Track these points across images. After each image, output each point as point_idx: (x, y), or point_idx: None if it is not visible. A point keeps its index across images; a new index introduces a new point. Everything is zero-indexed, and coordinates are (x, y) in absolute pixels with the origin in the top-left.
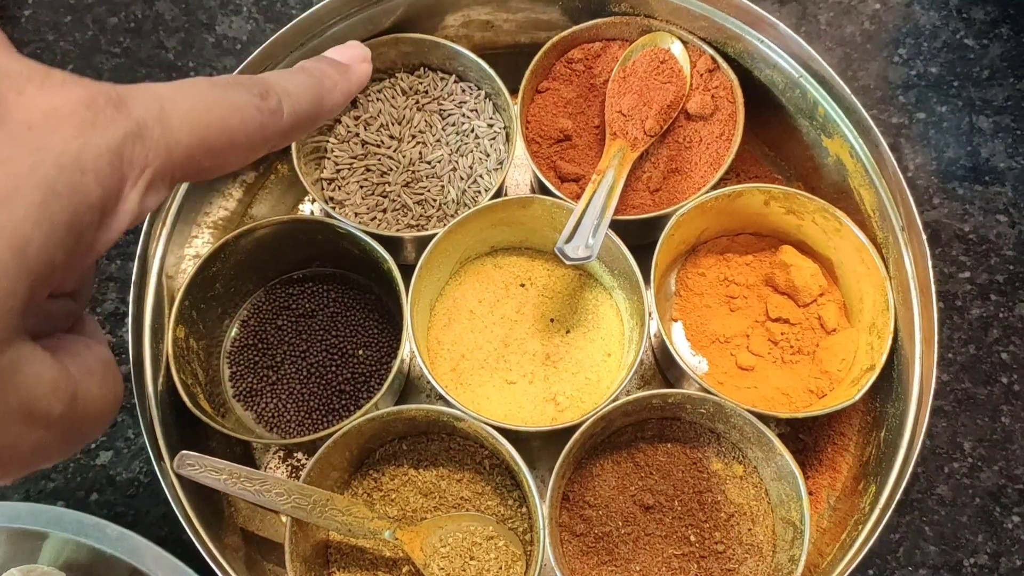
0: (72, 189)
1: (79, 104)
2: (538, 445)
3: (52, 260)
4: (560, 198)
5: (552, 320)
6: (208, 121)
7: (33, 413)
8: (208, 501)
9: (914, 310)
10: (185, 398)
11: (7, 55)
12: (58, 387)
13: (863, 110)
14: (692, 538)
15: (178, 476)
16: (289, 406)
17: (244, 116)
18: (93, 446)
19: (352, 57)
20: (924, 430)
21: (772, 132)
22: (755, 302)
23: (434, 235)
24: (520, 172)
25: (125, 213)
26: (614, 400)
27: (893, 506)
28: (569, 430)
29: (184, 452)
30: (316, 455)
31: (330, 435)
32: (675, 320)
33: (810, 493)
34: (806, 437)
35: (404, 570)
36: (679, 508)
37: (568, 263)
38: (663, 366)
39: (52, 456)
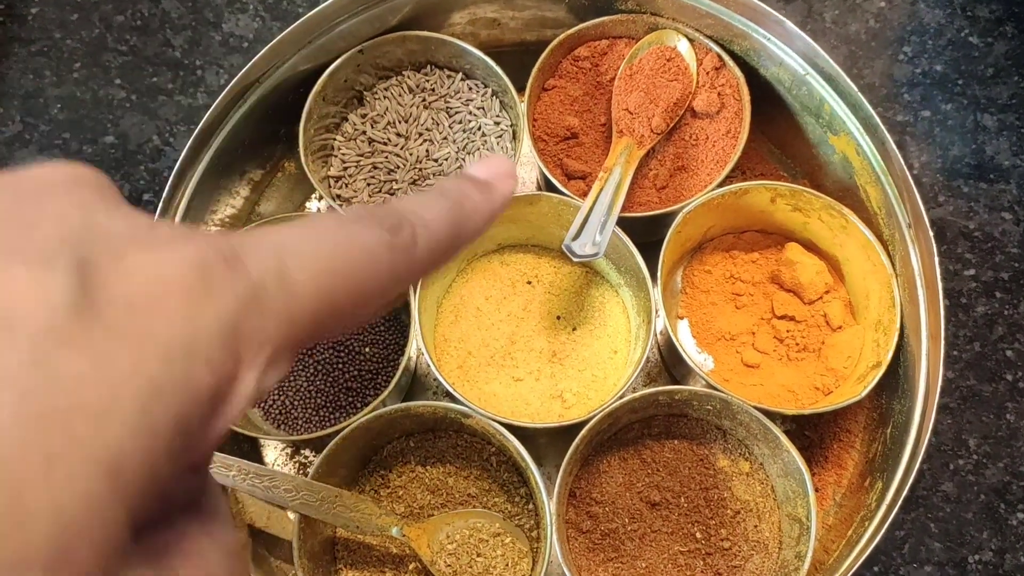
0: (179, 385)
1: (189, 269)
2: (545, 442)
3: (155, 474)
4: (567, 195)
5: (559, 317)
6: (333, 270)
7: None
8: None
9: (920, 307)
10: None
11: (109, 210)
12: None
13: (869, 107)
14: (698, 535)
15: None
16: (296, 404)
17: (375, 259)
18: None
19: (495, 174)
20: (931, 427)
21: (778, 130)
22: (761, 299)
23: None
24: (527, 170)
25: (240, 399)
26: (620, 397)
27: (900, 503)
28: (576, 427)
29: None
30: (324, 452)
31: (338, 432)
32: (681, 317)
33: (816, 490)
34: (812, 434)
35: (411, 567)
36: (685, 505)
37: (575, 260)
38: (669, 363)
39: None
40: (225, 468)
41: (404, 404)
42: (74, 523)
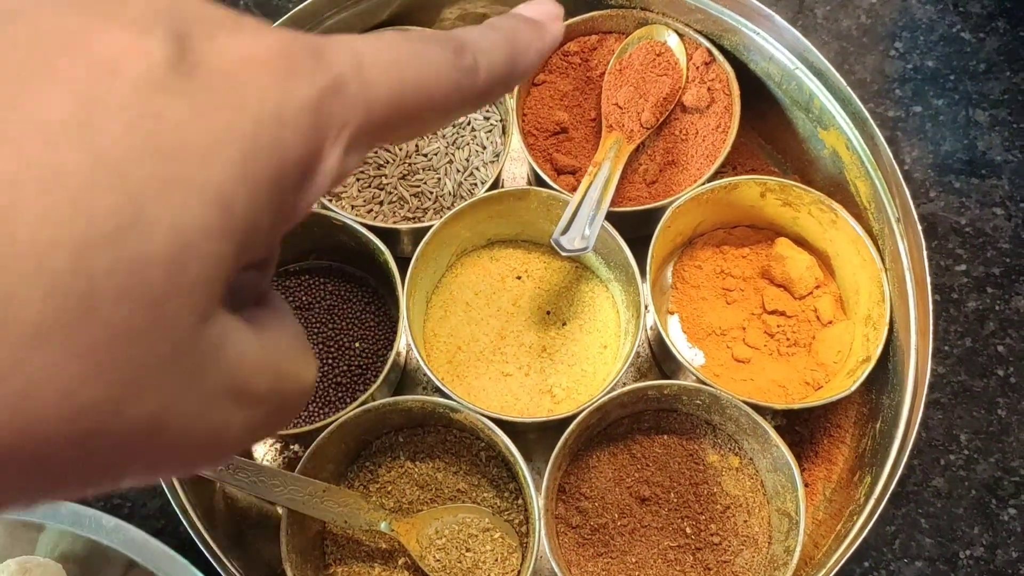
0: (273, 145)
1: (275, 53)
2: (534, 437)
3: (257, 222)
4: (556, 190)
5: (548, 312)
6: (405, 78)
7: (241, 391)
8: (204, 493)
9: (909, 301)
10: None
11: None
12: (262, 362)
13: (859, 102)
14: (688, 530)
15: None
16: None
17: (440, 75)
18: None
19: (545, 13)
20: (919, 421)
21: (768, 125)
22: (751, 294)
23: (430, 227)
24: (517, 165)
25: (326, 173)
26: (610, 392)
27: (887, 497)
28: (565, 422)
29: None
30: (312, 446)
31: (326, 426)
32: (672, 313)
33: (806, 485)
34: (802, 429)
35: (400, 562)
36: (675, 500)
37: (564, 254)
38: (659, 358)
39: (259, 436)
40: None
41: (393, 398)
42: (190, 242)
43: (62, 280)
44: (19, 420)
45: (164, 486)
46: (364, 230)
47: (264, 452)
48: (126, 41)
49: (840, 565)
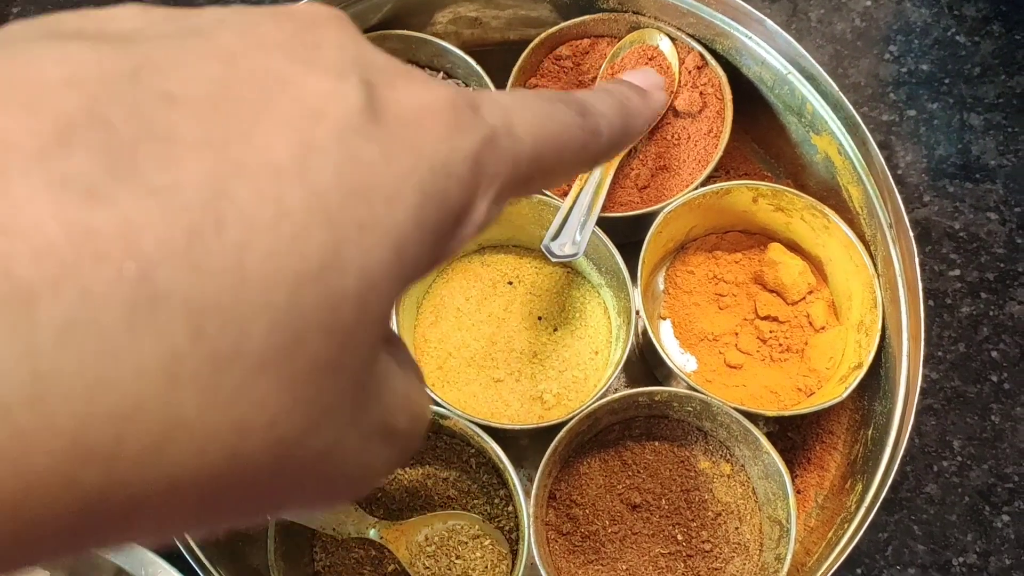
0: (440, 193)
1: (445, 104)
2: (525, 444)
3: (418, 265)
4: (547, 196)
5: (540, 318)
6: (545, 136)
7: (388, 428)
8: None
9: (901, 307)
10: None
11: (371, 48)
12: (404, 400)
13: (851, 107)
14: (679, 537)
15: None
16: None
17: (572, 134)
18: None
19: (651, 83)
20: (910, 427)
21: (761, 130)
22: (744, 300)
23: None
24: None
25: (473, 222)
26: (600, 398)
27: (879, 503)
28: (555, 428)
29: None
30: None
31: None
32: (664, 318)
33: (798, 492)
34: (794, 435)
35: (390, 569)
36: (666, 507)
37: (554, 260)
38: (651, 364)
39: (388, 474)
40: None
41: None
42: (374, 282)
43: (281, 314)
44: (234, 446)
45: None
46: None
47: None
48: (328, 86)
49: (832, 572)
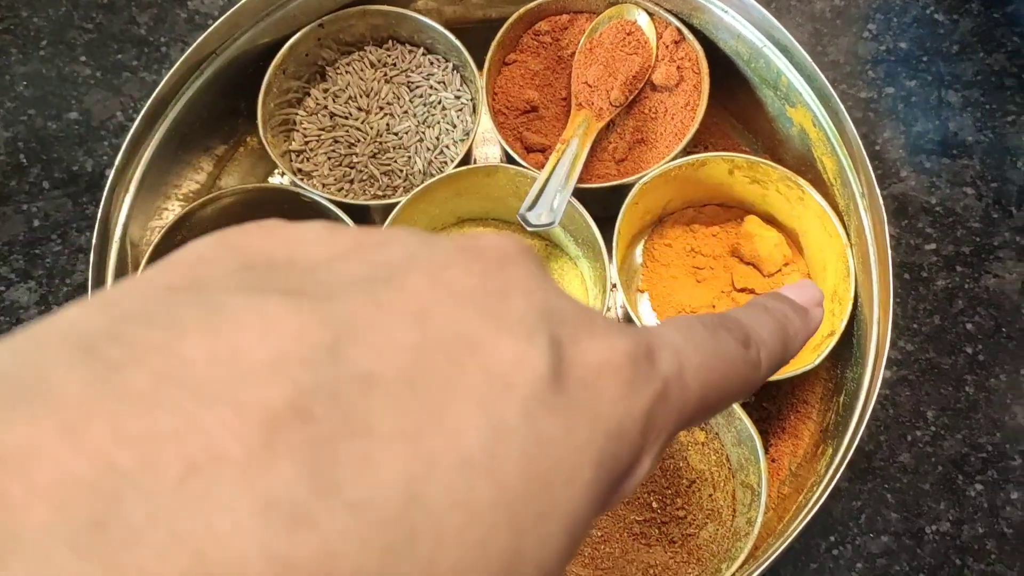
0: (613, 459)
1: (626, 359)
2: None
3: (583, 538)
4: (525, 167)
5: None
6: (711, 380)
7: None
8: None
9: (873, 275)
10: None
11: (556, 293)
12: None
13: (823, 77)
14: (654, 504)
15: None
16: None
17: (735, 371)
18: None
19: (809, 299)
20: (882, 392)
21: (739, 104)
22: (721, 273)
23: (399, 203)
24: (489, 147)
25: (637, 478)
26: None
27: (847, 461)
28: None
29: None
30: None
31: None
32: (642, 291)
33: (772, 461)
34: (770, 406)
35: None
36: None
37: (530, 229)
38: None
39: None
40: None
41: None
42: (549, 572)
43: None
44: None
45: None
46: (333, 207)
47: None
48: (516, 350)
49: (799, 531)
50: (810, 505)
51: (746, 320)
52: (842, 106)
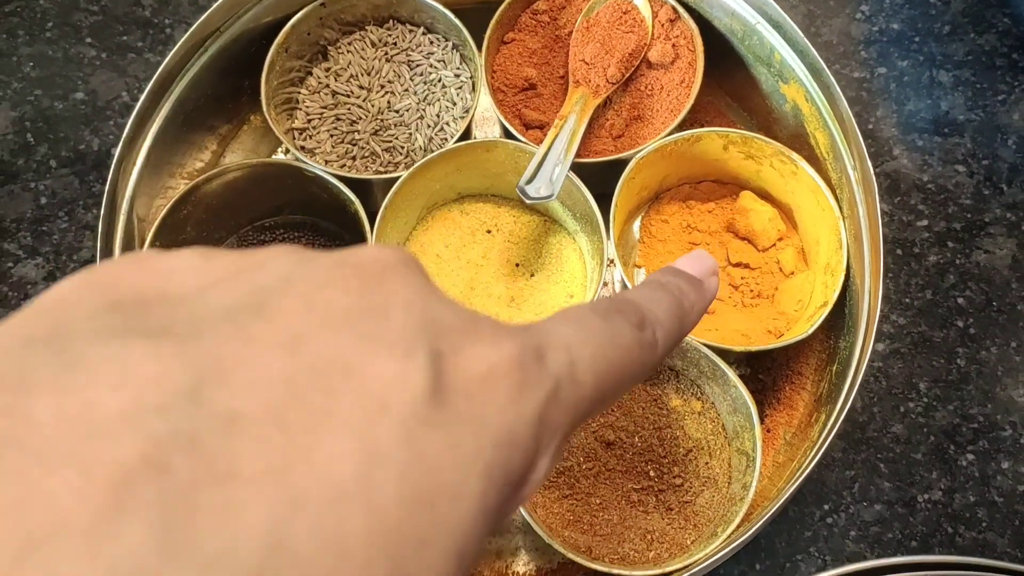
0: (503, 467)
1: (512, 364)
2: None
3: (478, 551)
4: (524, 143)
5: (517, 265)
6: (606, 370)
7: None
8: None
9: (864, 245)
10: None
11: (438, 301)
12: None
13: (815, 52)
14: (651, 473)
15: None
16: None
17: (631, 357)
18: None
19: (705, 270)
20: (870, 353)
21: (734, 83)
22: (716, 248)
23: (400, 178)
24: (489, 126)
25: (534, 482)
26: None
27: (839, 424)
28: None
29: None
30: None
31: None
32: (639, 266)
33: (767, 431)
34: (765, 377)
35: None
36: (639, 444)
37: (528, 202)
38: None
39: None
40: None
41: None
42: None
43: None
44: None
45: None
46: (335, 181)
47: None
48: (393, 369)
49: (793, 491)
50: (803, 467)
51: (641, 300)
52: (833, 80)
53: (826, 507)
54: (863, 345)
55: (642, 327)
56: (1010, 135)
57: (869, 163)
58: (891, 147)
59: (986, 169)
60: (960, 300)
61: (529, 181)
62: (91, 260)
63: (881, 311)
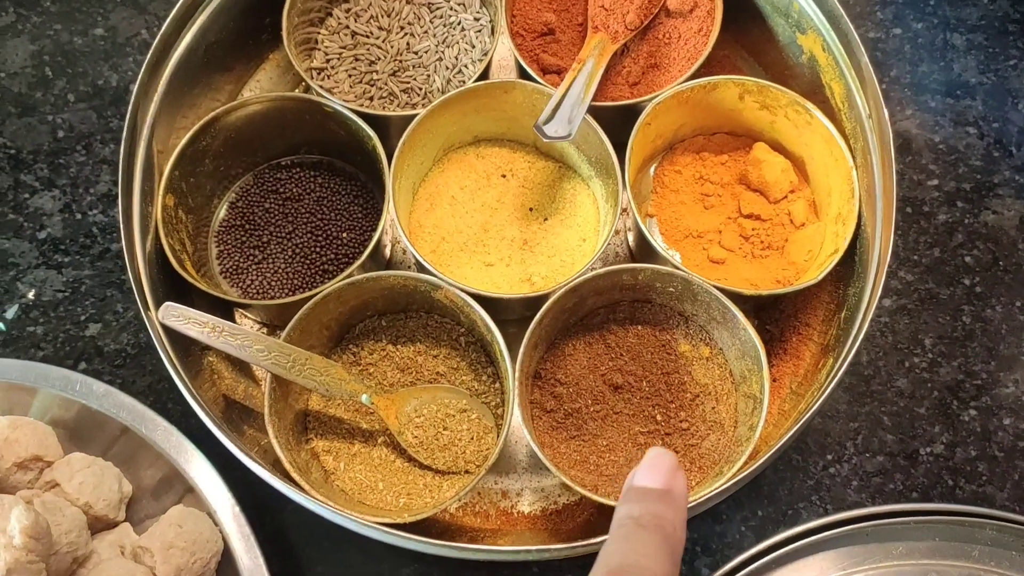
0: None
1: None
2: (514, 331)
3: None
4: (542, 84)
5: (531, 209)
6: None
7: None
8: (191, 372)
9: (876, 191)
10: (172, 259)
11: None
12: None
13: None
14: (659, 417)
15: (165, 330)
16: (274, 283)
17: None
18: (83, 318)
19: (665, 474)
20: (879, 295)
21: (750, 36)
22: (728, 200)
23: (417, 116)
24: (506, 72)
25: None
26: (585, 273)
27: (844, 368)
28: (541, 301)
29: (168, 303)
30: (296, 316)
31: (309, 298)
32: (651, 215)
33: (774, 380)
34: (773, 328)
35: (380, 440)
36: (647, 388)
37: (546, 140)
38: (638, 259)
39: None
40: (200, 324)
41: (375, 273)
42: None
43: None
44: None
45: (155, 342)
46: (354, 116)
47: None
48: None
49: (797, 431)
50: (809, 407)
51: (626, 560)
52: (852, 27)
53: (829, 457)
54: (872, 291)
55: None
56: (1020, 99)
57: (885, 111)
58: (904, 107)
59: (996, 132)
60: (967, 259)
61: (547, 121)
62: (108, 194)
63: (889, 267)
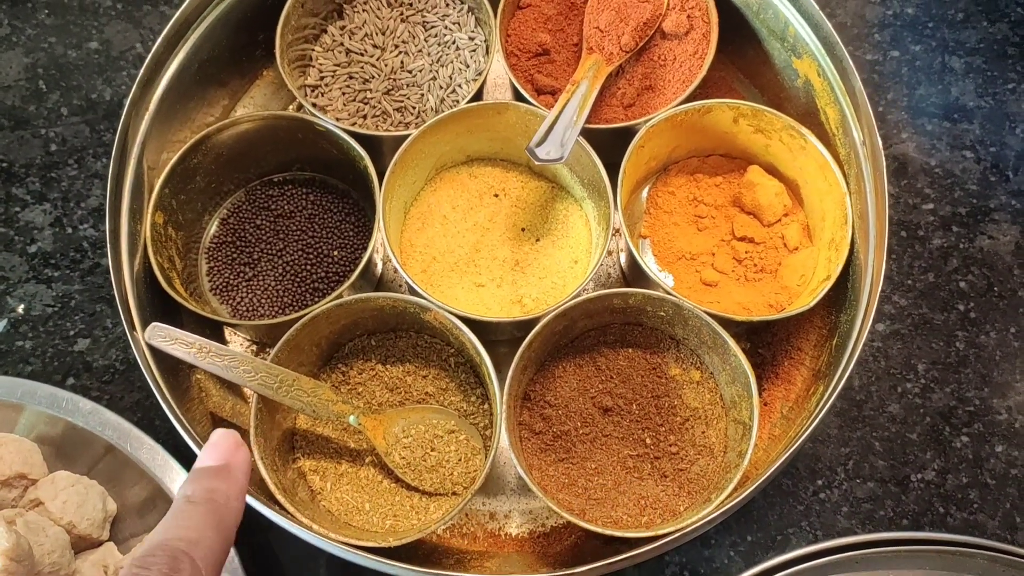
0: None
1: None
2: (505, 351)
3: None
4: (535, 106)
5: (523, 229)
6: None
7: None
8: (178, 389)
9: (870, 219)
10: (160, 278)
11: None
12: None
13: (829, 25)
14: (648, 440)
15: (151, 350)
16: (264, 300)
17: None
18: (72, 333)
19: (225, 453)
20: (872, 320)
21: (746, 58)
22: (722, 222)
23: (410, 136)
24: (501, 91)
25: None
26: (576, 297)
27: (836, 395)
28: (531, 324)
29: (156, 324)
30: (284, 337)
31: (299, 319)
32: (644, 236)
33: (765, 404)
34: (764, 352)
35: (367, 460)
36: (637, 411)
37: (538, 163)
38: (630, 280)
39: None
40: (187, 344)
41: (364, 295)
42: None
43: None
44: None
45: (140, 365)
46: (346, 136)
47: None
48: None
49: (787, 458)
50: (800, 434)
51: (168, 536)
52: (847, 54)
53: (819, 482)
54: (864, 318)
55: (177, 569)
56: (1018, 123)
57: (878, 138)
58: (900, 130)
59: (993, 156)
60: (962, 284)
61: (539, 143)
62: (99, 208)
63: (883, 292)
